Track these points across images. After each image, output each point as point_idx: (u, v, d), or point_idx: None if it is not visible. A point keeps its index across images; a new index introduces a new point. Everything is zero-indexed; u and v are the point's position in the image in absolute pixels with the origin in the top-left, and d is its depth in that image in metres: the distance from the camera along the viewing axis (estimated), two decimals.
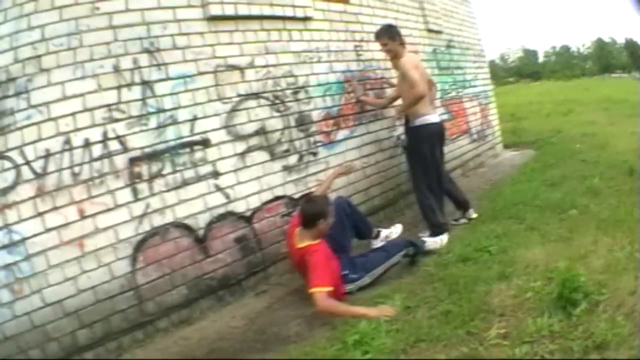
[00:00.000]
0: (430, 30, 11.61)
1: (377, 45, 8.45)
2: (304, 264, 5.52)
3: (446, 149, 9.89)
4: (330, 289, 5.18)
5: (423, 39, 11.28)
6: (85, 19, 5.48)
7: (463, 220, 8.24)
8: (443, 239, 7.10)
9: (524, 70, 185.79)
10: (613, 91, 41.08)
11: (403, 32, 9.30)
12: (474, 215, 8.27)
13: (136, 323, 5.46)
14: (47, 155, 5.09)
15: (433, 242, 6.96)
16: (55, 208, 5.06)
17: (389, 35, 7.76)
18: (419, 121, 7.66)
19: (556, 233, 6.62)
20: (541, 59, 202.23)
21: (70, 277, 5.07)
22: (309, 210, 5.83)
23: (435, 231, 7.37)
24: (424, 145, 7.63)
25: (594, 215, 7.09)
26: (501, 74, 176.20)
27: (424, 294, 5.22)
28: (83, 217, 5.20)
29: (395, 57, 7.84)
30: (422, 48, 11.09)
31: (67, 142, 5.22)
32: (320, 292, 5.09)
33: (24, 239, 4.88)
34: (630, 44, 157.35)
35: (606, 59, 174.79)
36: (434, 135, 7.83)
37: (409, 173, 8.23)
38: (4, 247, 4.84)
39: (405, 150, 8.29)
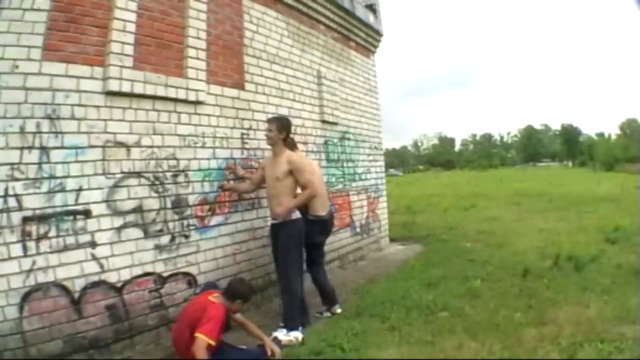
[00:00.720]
0: (324, 122, 12.73)
1: (264, 134, 9.24)
2: (201, 311, 6.36)
3: (326, 240, 10.94)
4: (213, 344, 6.02)
5: (316, 129, 12.34)
6: (5, 75, 6.39)
7: (327, 314, 8.88)
8: (297, 336, 7.72)
9: (437, 158, 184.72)
10: (532, 183, 42.59)
11: (295, 121, 10.55)
12: (339, 311, 8.85)
13: None
14: None
15: (288, 340, 7.59)
16: None
17: (277, 125, 8.39)
18: (312, 215, 8.73)
19: (418, 335, 7.23)
20: (458, 147, 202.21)
21: None
22: (237, 286, 6.79)
23: (291, 325, 7.98)
24: (308, 235, 8.56)
25: (467, 319, 7.70)
26: (412, 161, 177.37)
27: None
28: None
29: (273, 145, 8.49)
30: (313, 139, 12.01)
31: None
32: (205, 341, 6.00)
33: None
34: (567, 130, 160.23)
35: (534, 147, 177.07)
36: (320, 227, 8.97)
37: (281, 260, 8.52)
38: None
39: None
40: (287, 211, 8.19)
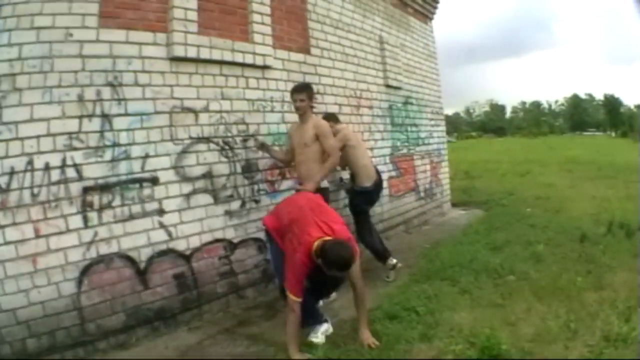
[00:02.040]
0: (388, 86, 12.15)
1: (331, 98, 9.24)
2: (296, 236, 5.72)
3: (390, 205, 10.58)
4: (299, 300, 5.58)
5: (380, 94, 11.85)
6: (58, 44, 5.98)
7: (392, 275, 8.53)
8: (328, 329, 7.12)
9: (489, 125, 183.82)
10: (580, 151, 41.42)
11: (361, 86, 10.37)
12: (394, 261, 8.61)
13: (78, 341, 5.89)
14: (12, 172, 5.54)
15: (315, 337, 6.88)
16: (15, 224, 5.50)
17: (308, 94, 7.81)
18: (357, 186, 8.65)
19: (488, 298, 6.96)
20: (508, 114, 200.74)
21: (23, 289, 5.52)
22: (330, 252, 5.50)
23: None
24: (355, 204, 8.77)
25: (533, 282, 7.38)
26: (464, 127, 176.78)
27: (346, 347, 5.61)
28: (38, 236, 5.63)
29: (303, 114, 7.87)
30: (379, 103, 11.63)
31: (30, 163, 5.66)
32: (294, 300, 5.55)
33: None
34: (609, 101, 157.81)
35: (580, 116, 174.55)
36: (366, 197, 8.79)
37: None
38: None
39: (348, 192, 9.12)
40: (314, 187, 7.55)
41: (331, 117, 8.70)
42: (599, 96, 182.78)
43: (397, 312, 6.66)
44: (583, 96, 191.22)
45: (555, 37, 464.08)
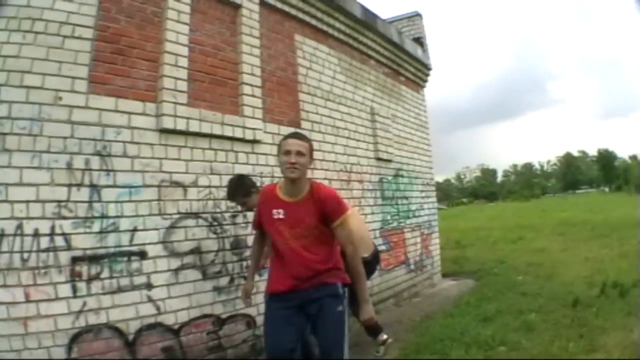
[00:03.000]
0: (379, 159, 12.10)
1: (321, 173, 9.30)
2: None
3: (380, 279, 10.61)
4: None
5: (371, 167, 11.76)
6: (47, 106, 5.97)
7: (381, 350, 8.30)
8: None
9: (480, 190, 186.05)
10: (573, 212, 41.72)
11: (351, 160, 10.47)
12: (385, 337, 8.33)
13: None
14: (2, 234, 5.48)
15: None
16: (6, 285, 5.45)
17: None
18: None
19: None
20: (500, 178, 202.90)
21: (16, 349, 5.41)
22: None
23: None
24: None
25: (524, 352, 7.40)
26: (455, 194, 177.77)
27: None
28: (28, 300, 5.55)
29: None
30: (369, 177, 11.58)
31: (20, 227, 5.60)
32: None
33: None
34: (603, 155, 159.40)
35: (573, 174, 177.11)
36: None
37: None
38: None
39: None
40: None
41: None
42: (593, 152, 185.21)
43: None
44: (576, 154, 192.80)
45: (549, 97, 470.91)
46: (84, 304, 6.03)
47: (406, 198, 13.61)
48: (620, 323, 8.18)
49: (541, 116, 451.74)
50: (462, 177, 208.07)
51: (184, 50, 7.44)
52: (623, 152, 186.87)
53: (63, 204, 6.00)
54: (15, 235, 5.61)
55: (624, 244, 17.78)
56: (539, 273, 14.48)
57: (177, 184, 7.16)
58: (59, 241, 5.93)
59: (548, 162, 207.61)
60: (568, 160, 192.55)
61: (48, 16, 6.16)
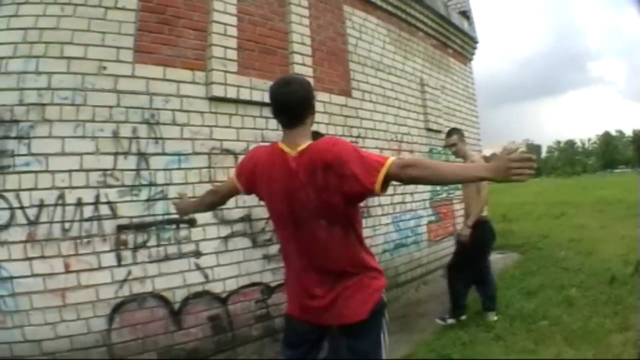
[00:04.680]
0: (429, 129, 11.92)
1: (372, 142, 9.11)
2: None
3: (429, 250, 10.49)
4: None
5: (421, 137, 11.59)
6: (91, 76, 5.84)
7: (451, 321, 8.21)
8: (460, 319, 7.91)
9: None
10: (611, 191, 41.29)
11: (401, 129, 10.23)
12: (463, 318, 8.27)
13: None
14: (41, 205, 5.40)
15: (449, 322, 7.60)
16: (43, 257, 5.36)
17: (457, 136, 8.10)
18: (483, 219, 8.06)
19: (522, 344, 6.87)
20: (544, 154, 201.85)
21: (51, 322, 5.35)
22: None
23: (455, 312, 8.17)
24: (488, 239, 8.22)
25: (565, 327, 7.33)
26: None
27: None
28: (68, 271, 5.48)
29: (459, 155, 8.18)
30: (419, 147, 11.40)
31: (61, 197, 5.53)
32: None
33: (11, 277, 5.22)
34: (638, 136, 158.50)
35: (611, 154, 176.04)
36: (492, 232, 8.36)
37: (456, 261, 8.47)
38: None
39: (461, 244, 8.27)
40: (471, 221, 7.91)
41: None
42: (629, 132, 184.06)
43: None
44: (614, 133, 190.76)
45: (589, 76, 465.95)
46: (129, 272, 5.98)
47: None
48: None
49: (582, 95, 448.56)
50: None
51: (233, 20, 7.26)
52: None
53: (109, 172, 5.91)
54: (56, 205, 5.53)
55: None
56: (579, 249, 14.30)
57: (228, 152, 6.99)
58: (104, 210, 5.84)
59: (589, 140, 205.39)
60: (607, 139, 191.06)
61: None
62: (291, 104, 3.63)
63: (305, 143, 3.64)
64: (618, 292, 8.89)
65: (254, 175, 3.82)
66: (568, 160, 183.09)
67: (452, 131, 8.34)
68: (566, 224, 21.28)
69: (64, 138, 5.61)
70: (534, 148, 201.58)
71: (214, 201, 4.49)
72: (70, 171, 5.62)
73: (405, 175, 3.37)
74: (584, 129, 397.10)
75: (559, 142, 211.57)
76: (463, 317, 8.20)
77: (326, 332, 4.10)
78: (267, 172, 3.75)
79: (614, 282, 9.56)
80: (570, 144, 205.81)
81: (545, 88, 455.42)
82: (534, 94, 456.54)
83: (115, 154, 5.95)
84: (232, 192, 4.23)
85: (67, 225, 5.55)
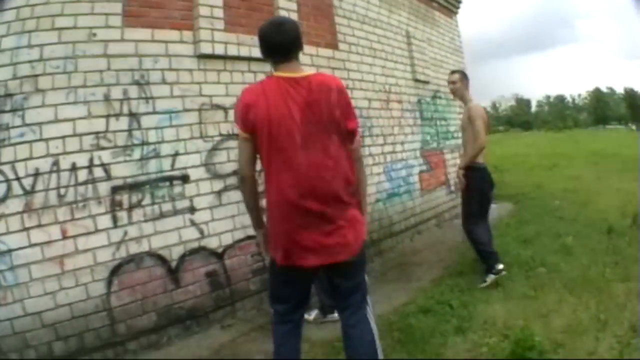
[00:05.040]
0: (417, 80, 11.93)
1: (360, 93, 9.12)
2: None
3: (422, 199, 10.54)
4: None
5: (409, 88, 11.59)
6: (82, 44, 5.84)
7: (491, 278, 7.37)
8: (499, 269, 7.21)
9: (515, 119, 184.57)
10: (605, 144, 40.88)
11: (389, 80, 10.18)
12: (501, 267, 7.42)
13: (108, 342, 5.73)
14: (37, 174, 5.43)
15: (490, 280, 7.15)
16: (40, 225, 5.38)
17: (460, 75, 7.89)
18: (478, 165, 7.65)
19: (520, 291, 6.85)
20: (534, 108, 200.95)
21: (50, 291, 5.37)
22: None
23: (490, 263, 7.36)
24: (483, 185, 7.72)
25: (563, 274, 7.26)
26: (491, 122, 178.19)
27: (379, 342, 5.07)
28: (65, 237, 5.51)
29: (456, 95, 8.05)
30: (407, 98, 11.43)
31: (56, 163, 5.55)
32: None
33: (10, 250, 5.22)
34: (630, 94, 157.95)
35: (602, 110, 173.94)
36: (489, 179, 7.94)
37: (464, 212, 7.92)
38: None
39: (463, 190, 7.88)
40: (463, 164, 7.66)
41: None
42: (620, 90, 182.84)
43: (431, 306, 6.59)
44: (604, 90, 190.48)
45: (578, 33, 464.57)
46: (125, 233, 6.02)
47: (445, 119, 13.49)
48: None
49: (571, 51, 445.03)
50: (498, 105, 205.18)
51: None
52: None
53: (101, 134, 5.94)
54: (50, 172, 5.57)
55: None
56: (574, 199, 14.33)
57: (218, 107, 6.99)
58: (98, 172, 5.88)
59: (579, 95, 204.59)
60: (597, 96, 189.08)
61: None
62: (288, 41, 3.98)
63: (305, 71, 4.01)
64: (616, 243, 8.84)
65: (249, 115, 3.87)
66: (559, 114, 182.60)
67: (457, 71, 8.26)
68: (559, 175, 21.34)
69: (57, 105, 5.64)
70: (523, 102, 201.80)
71: (254, 181, 4.26)
72: (64, 137, 5.65)
73: (354, 150, 4.21)
74: (574, 85, 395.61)
75: (548, 97, 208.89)
76: (500, 267, 7.34)
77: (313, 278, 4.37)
78: (274, 98, 3.84)
79: (612, 232, 9.50)
80: (560, 98, 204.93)
81: (535, 43, 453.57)
82: (523, 49, 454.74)
83: (107, 116, 5.98)
84: (253, 152, 4.10)
85: (62, 191, 5.60)
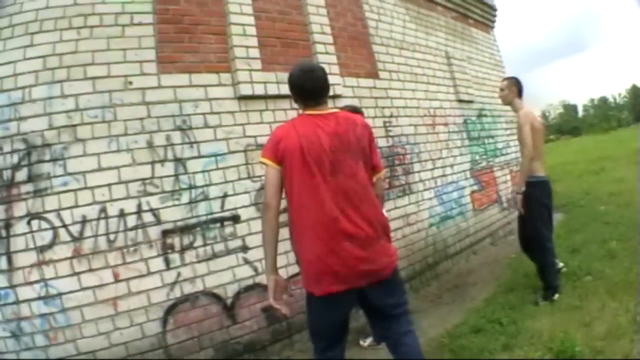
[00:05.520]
0: (461, 101, 11.82)
1: (405, 120, 9.08)
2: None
3: (475, 219, 10.34)
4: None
5: (454, 109, 11.47)
6: (118, 92, 5.96)
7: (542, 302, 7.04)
8: (553, 299, 6.89)
9: (564, 126, 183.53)
10: None
11: (433, 104, 10.09)
12: (556, 297, 7.04)
13: None
14: (84, 221, 5.58)
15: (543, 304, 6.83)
16: (91, 270, 5.54)
17: (509, 82, 7.56)
18: (537, 178, 7.21)
19: (567, 301, 6.76)
20: (580, 112, 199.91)
21: (104, 332, 5.52)
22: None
23: (548, 293, 7.03)
24: (544, 200, 7.31)
25: (607, 280, 7.16)
26: (545, 136, 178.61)
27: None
28: (117, 280, 5.66)
29: (505, 103, 7.72)
30: (453, 119, 11.31)
31: (103, 210, 5.70)
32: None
33: (60, 294, 5.40)
34: None
35: None
36: (549, 192, 7.56)
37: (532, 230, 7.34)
38: (41, 298, 5.37)
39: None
40: (520, 196, 7.15)
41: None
42: None
43: (482, 325, 6.56)
44: None
45: (610, 30, 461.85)
46: (178, 274, 6.10)
47: (492, 137, 13.29)
48: None
49: (607, 48, 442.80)
50: (547, 114, 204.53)
51: (250, 20, 7.31)
52: None
53: (147, 181, 6.05)
54: (98, 219, 5.70)
55: None
56: (619, 202, 14.07)
57: (263, 146, 6.83)
58: (147, 217, 5.99)
59: (619, 94, 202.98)
60: (635, 92, 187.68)
61: (101, 10, 6.24)
62: (320, 87, 4.28)
63: (331, 109, 4.37)
64: None
65: (280, 145, 4.09)
66: (603, 116, 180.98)
67: (507, 77, 7.91)
68: (605, 179, 21.02)
69: (99, 154, 5.77)
70: (570, 108, 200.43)
71: (278, 213, 4.39)
72: (109, 185, 5.77)
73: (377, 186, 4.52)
74: (613, 85, 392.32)
75: (592, 100, 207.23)
76: (556, 297, 7.00)
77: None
78: (303, 129, 4.09)
79: None
80: (604, 100, 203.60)
81: (574, 45, 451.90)
82: (564, 52, 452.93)
83: (152, 162, 6.08)
84: (281, 183, 4.25)
85: (112, 236, 5.71)
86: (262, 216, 4.48)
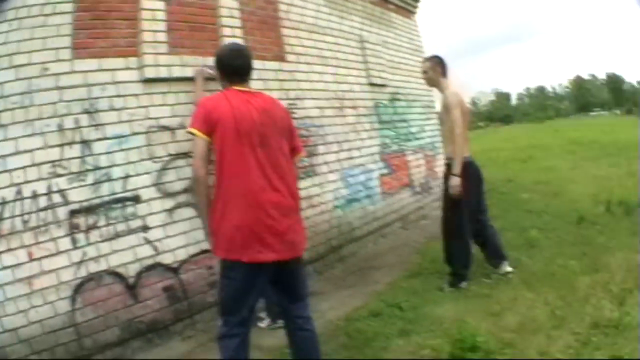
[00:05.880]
0: (372, 84, 12.11)
1: (311, 102, 9.40)
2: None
3: (384, 202, 10.72)
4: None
5: (364, 93, 11.77)
6: (36, 79, 6.27)
7: (495, 276, 7.41)
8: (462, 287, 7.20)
9: (495, 114, 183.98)
10: (584, 132, 41.25)
11: (343, 87, 10.45)
12: (509, 269, 7.48)
13: (77, 356, 6.10)
14: (3, 202, 5.89)
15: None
16: (10, 249, 5.84)
17: (432, 63, 7.63)
18: (465, 159, 7.39)
19: (475, 289, 7.02)
20: (514, 101, 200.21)
21: (22, 309, 5.80)
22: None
23: (456, 280, 7.35)
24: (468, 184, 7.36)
25: (523, 269, 7.35)
26: (472, 118, 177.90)
27: (323, 347, 5.13)
28: (32, 259, 5.94)
29: (430, 85, 7.93)
30: (363, 102, 11.62)
31: (19, 192, 6.00)
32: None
33: None
34: (612, 79, 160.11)
35: (584, 97, 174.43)
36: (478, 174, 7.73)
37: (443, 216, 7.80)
38: None
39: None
40: (459, 179, 7.21)
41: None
42: (602, 75, 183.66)
43: (381, 310, 6.80)
44: (586, 77, 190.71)
45: (553, 22, 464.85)
46: (84, 253, 6.36)
47: (405, 121, 13.61)
48: (625, 243, 8.01)
49: (549, 39, 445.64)
50: (477, 101, 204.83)
51: (161, 5, 7.51)
52: (630, 77, 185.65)
53: (57, 163, 6.32)
54: (15, 200, 5.99)
55: (633, 163, 17.44)
56: (546, 191, 14.53)
57: (165, 128, 7.24)
58: (56, 198, 6.28)
59: (560, 85, 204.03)
60: (579, 83, 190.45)
61: (30, 2, 6.46)
62: (248, 65, 4.88)
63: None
64: (586, 233, 9.01)
65: (213, 115, 4.47)
66: (540, 105, 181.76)
67: (429, 57, 7.94)
68: (533, 167, 21.55)
69: (17, 138, 6.08)
70: (503, 96, 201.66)
71: (207, 182, 4.61)
72: (24, 167, 6.08)
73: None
74: (554, 75, 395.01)
75: (528, 89, 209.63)
76: (464, 285, 7.37)
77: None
78: (236, 102, 4.55)
79: (582, 222, 9.70)
80: (541, 89, 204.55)
81: (511, 35, 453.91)
82: (499, 41, 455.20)
83: (62, 145, 6.37)
84: (208, 155, 4.55)
85: (26, 217, 6.01)
86: (195, 188, 4.87)
